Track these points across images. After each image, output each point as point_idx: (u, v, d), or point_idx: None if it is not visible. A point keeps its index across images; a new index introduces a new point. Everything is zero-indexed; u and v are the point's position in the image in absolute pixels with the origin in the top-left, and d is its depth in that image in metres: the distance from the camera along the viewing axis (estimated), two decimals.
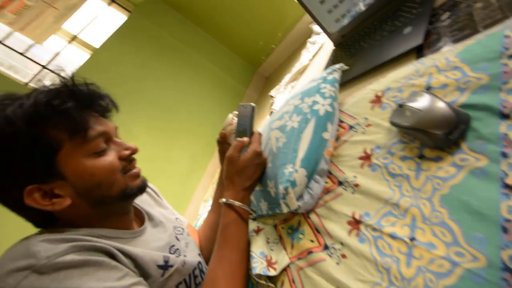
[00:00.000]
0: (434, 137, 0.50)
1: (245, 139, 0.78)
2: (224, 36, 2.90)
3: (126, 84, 2.22)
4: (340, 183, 0.70)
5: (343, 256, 0.59)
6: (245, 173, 0.76)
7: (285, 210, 0.73)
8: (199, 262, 0.81)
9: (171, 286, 0.69)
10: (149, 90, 2.37)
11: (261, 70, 3.16)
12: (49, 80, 0.62)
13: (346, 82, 1.01)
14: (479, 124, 0.48)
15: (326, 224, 0.67)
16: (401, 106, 0.57)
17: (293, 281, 0.66)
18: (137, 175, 0.70)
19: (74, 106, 0.58)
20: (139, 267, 0.62)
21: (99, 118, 0.65)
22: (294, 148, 0.74)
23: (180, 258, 0.74)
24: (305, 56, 1.91)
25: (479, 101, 0.49)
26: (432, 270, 0.43)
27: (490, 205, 0.41)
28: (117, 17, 2.54)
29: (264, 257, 0.72)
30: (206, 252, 0.90)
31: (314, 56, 1.77)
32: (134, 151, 0.69)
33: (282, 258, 0.72)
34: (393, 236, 0.51)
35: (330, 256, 0.62)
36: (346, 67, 0.89)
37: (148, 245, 0.70)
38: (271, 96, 2.09)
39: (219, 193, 0.98)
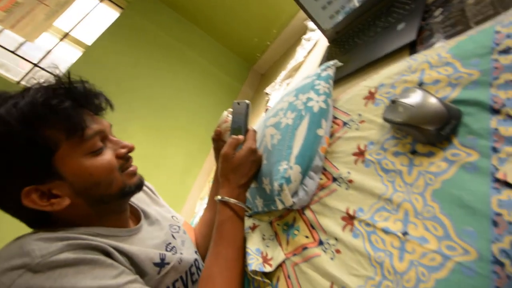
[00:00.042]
0: (426, 133, 0.50)
1: (240, 137, 0.79)
2: (218, 33, 2.89)
3: (119, 82, 2.20)
4: (335, 179, 0.70)
5: (337, 251, 0.59)
6: (240, 171, 0.76)
7: (280, 206, 0.73)
8: (196, 260, 0.81)
9: (167, 284, 0.69)
10: (143, 88, 2.36)
11: (256, 67, 3.15)
12: (41, 78, 0.61)
13: (341, 78, 1.01)
14: (470, 120, 0.48)
15: (321, 220, 0.68)
16: (393, 102, 0.58)
17: (289, 277, 0.67)
18: (134, 173, 0.70)
19: (71, 106, 0.57)
20: (135, 265, 0.62)
21: (94, 116, 0.65)
22: (288, 145, 0.74)
23: (177, 255, 0.74)
24: (300, 53, 1.91)
25: (470, 97, 0.49)
26: (424, 263, 0.44)
27: (481, 199, 0.41)
28: (110, 14, 2.51)
29: (260, 253, 0.72)
30: (203, 250, 0.91)
31: (309, 53, 1.77)
32: (131, 149, 0.69)
33: (277, 254, 0.73)
34: (386, 231, 0.52)
35: (324, 251, 0.62)
36: (340, 64, 0.89)
37: (144, 243, 0.70)
38: (266, 93, 2.09)
39: (214, 191, 0.98)
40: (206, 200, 1.06)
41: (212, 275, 0.66)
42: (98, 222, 0.64)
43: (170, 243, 0.77)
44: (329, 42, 1.36)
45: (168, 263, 0.69)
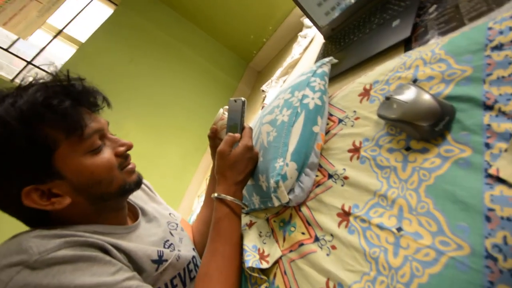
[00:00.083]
0: (420, 129, 0.51)
1: (236, 134, 0.79)
2: (214, 30, 2.87)
3: (114, 80, 2.19)
4: (330, 176, 0.71)
5: (333, 247, 0.60)
6: (236, 168, 0.76)
7: (276, 203, 0.73)
8: (193, 257, 0.81)
9: (165, 281, 0.69)
10: (139, 86, 2.34)
11: (252, 64, 3.15)
12: (35, 76, 0.61)
13: (336, 75, 1.01)
14: (463, 116, 0.49)
15: (317, 216, 0.68)
16: (388, 98, 0.58)
17: (285, 273, 0.67)
18: (133, 171, 0.70)
19: (71, 105, 0.57)
20: (133, 262, 0.63)
21: (91, 114, 0.64)
22: (284, 142, 0.74)
23: (174, 252, 0.74)
24: (296, 50, 1.91)
25: (464, 93, 0.50)
26: (418, 259, 0.44)
27: (474, 195, 0.42)
28: (104, 11, 2.48)
29: (257, 250, 0.73)
30: (200, 247, 0.91)
31: (305, 49, 1.77)
32: (130, 147, 0.69)
33: (274, 251, 0.73)
34: (381, 227, 0.52)
35: (320, 247, 0.63)
36: (335, 61, 0.89)
37: (142, 240, 0.71)
38: (263, 91, 2.09)
39: (211, 188, 0.98)
40: (203, 198, 1.06)
41: (209, 272, 0.66)
42: (96, 220, 0.64)
43: (168, 240, 0.77)
44: (325, 39, 1.36)
45: (166, 260, 0.70)
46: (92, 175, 0.60)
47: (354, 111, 0.73)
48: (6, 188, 0.54)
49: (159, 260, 0.68)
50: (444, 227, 0.43)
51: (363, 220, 0.57)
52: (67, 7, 2.23)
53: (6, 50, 2.05)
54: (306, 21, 1.98)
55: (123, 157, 0.68)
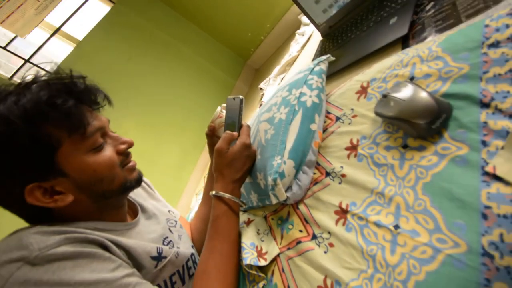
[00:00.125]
0: (416, 127, 0.51)
1: (234, 133, 0.79)
2: (212, 28, 2.86)
3: (112, 79, 2.18)
4: (328, 174, 0.71)
5: (331, 245, 0.60)
6: (234, 165, 0.76)
7: (274, 201, 0.73)
8: (192, 254, 0.82)
9: (164, 278, 0.69)
10: (136, 84, 2.33)
11: (250, 62, 3.14)
12: (36, 74, 0.60)
13: (334, 73, 1.01)
14: (460, 113, 0.49)
15: (314, 214, 0.68)
16: (385, 96, 0.58)
17: (283, 271, 0.67)
18: (134, 168, 0.71)
19: (74, 104, 0.57)
20: (133, 259, 0.63)
21: (93, 112, 0.65)
22: (282, 139, 0.74)
23: (174, 249, 0.74)
24: (294, 47, 1.90)
25: (460, 90, 0.50)
26: (416, 256, 0.44)
27: (471, 192, 0.42)
28: (101, 8, 2.47)
29: (255, 247, 0.73)
30: (198, 244, 0.91)
31: (302, 47, 1.77)
32: (131, 145, 0.70)
33: (272, 249, 0.73)
34: (378, 225, 0.52)
35: (318, 245, 0.63)
36: (332, 58, 0.89)
37: (142, 236, 0.71)
38: (261, 89, 2.09)
39: (209, 186, 0.98)
40: (201, 196, 1.06)
41: (207, 270, 0.67)
42: (97, 217, 0.65)
43: (167, 237, 0.78)
44: (322, 36, 1.36)
45: (165, 257, 0.70)
46: (94, 173, 0.60)
47: (352, 109, 0.73)
48: (9, 186, 0.54)
49: (158, 257, 0.68)
50: (441, 224, 0.44)
51: (360, 218, 0.57)
52: (65, 5, 2.22)
53: (4, 48, 2.04)
54: (304, 19, 1.97)
55: (124, 155, 0.68)
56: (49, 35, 2.20)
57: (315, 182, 0.73)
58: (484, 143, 0.44)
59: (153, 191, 0.97)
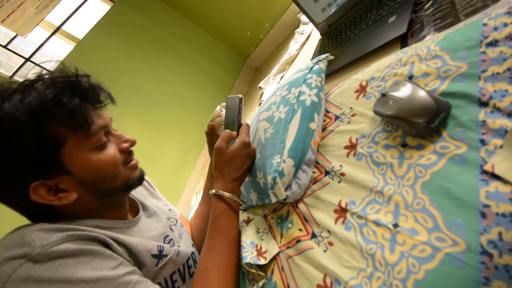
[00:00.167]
0: (415, 126, 0.51)
1: (233, 132, 0.79)
2: (212, 27, 2.86)
3: (112, 77, 2.17)
4: (327, 173, 0.71)
5: (330, 243, 0.60)
6: (234, 164, 0.76)
7: (274, 200, 0.74)
8: (193, 253, 0.82)
9: (165, 276, 0.70)
10: (136, 83, 2.33)
11: (250, 61, 3.14)
12: (40, 72, 0.61)
13: (333, 72, 1.01)
14: (458, 112, 0.49)
15: (314, 213, 0.68)
16: (384, 95, 0.58)
17: (283, 269, 0.68)
18: (136, 166, 0.71)
19: (79, 102, 0.58)
20: (134, 256, 0.63)
21: (96, 111, 0.65)
22: (281, 138, 0.74)
23: (174, 248, 0.75)
24: (293, 46, 1.90)
25: (459, 89, 0.50)
26: (415, 255, 0.44)
27: (469, 191, 0.42)
28: (101, 7, 2.47)
29: (254, 246, 0.73)
30: (198, 243, 0.91)
31: (302, 46, 1.77)
32: (133, 143, 0.70)
33: (271, 247, 0.73)
34: (377, 223, 0.53)
35: (317, 244, 0.63)
36: (331, 57, 0.89)
37: (143, 234, 0.71)
38: (260, 88, 2.09)
39: (209, 185, 0.99)
40: (201, 195, 1.06)
41: (207, 268, 0.67)
42: (99, 215, 0.65)
43: (168, 236, 0.78)
44: (322, 35, 1.36)
45: (166, 255, 0.70)
46: (98, 170, 0.61)
47: (351, 108, 0.73)
48: (14, 183, 0.54)
49: (159, 255, 0.69)
50: (440, 223, 0.44)
51: (359, 217, 0.57)
52: (65, 4, 2.22)
53: (5, 47, 2.04)
54: (303, 18, 1.97)
55: (127, 153, 0.69)
56: (49, 34, 2.20)
57: (314, 181, 0.73)
58: (483, 142, 0.44)
59: (154, 190, 0.98)
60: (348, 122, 0.72)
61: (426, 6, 0.77)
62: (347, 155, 0.68)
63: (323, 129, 0.79)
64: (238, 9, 2.61)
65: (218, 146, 0.76)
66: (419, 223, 0.46)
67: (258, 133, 0.84)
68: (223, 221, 0.72)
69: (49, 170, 0.55)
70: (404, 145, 0.55)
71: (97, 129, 0.61)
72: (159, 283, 0.67)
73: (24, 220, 0.60)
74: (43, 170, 0.55)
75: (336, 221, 0.62)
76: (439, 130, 0.50)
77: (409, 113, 0.51)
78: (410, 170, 0.52)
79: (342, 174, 0.66)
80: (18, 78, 1.94)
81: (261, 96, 1.98)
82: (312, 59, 1.11)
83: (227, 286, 0.66)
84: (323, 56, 0.88)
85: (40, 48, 2.13)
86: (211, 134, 0.93)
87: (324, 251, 0.60)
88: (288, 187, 0.72)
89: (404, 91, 0.53)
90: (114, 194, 0.66)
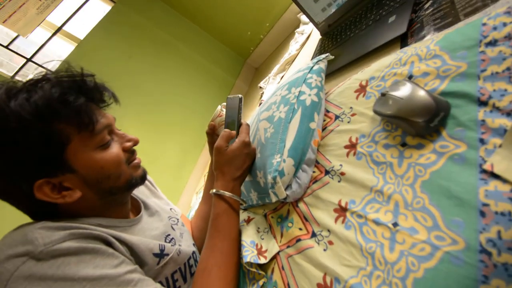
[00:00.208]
0: (415, 125, 0.51)
1: (232, 131, 0.79)
2: (212, 27, 2.86)
3: (113, 77, 2.15)
4: (327, 172, 0.71)
5: (330, 242, 0.60)
6: (234, 163, 0.76)
7: (274, 199, 0.74)
8: (194, 252, 0.82)
9: (166, 275, 0.70)
10: (137, 83, 2.34)
11: (250, 61, 3.14)
12: (45, 71, 0.61)
13: (333, 71, 1.01)
14: (458, 111, 0.49)
15: (314, 212, 0.69)
16: (383, 95, 0.58)
17: (283, 268, 0.68)
18: (139, 165, 0.72)
19: (84, 101, 0.58)
20: (135, 255, 0.63)
21: (100, 110, 0.66)
22: (281, 138, 0.75)
23: (175, 247, 0.75)
24: (293, 46, 1.91)
25: (458, 89, 0.50)
26: (414, 253, 0.45)
27: (469, 190, 0.42)
28: (102, 8, 2.48)
29: (255, 245, 0.73)
30: (199, 242, 0.92)
31: (302, 46, 1.77)
32: (136, 142, 0.71)
33: (272, 247, 0.73)
34: (377, 222, 0.53)
35: (317, 243, 0.63)
36: (331, 57, 0.89)
37: (144, 233, 0.72)
38: (260, 87, 2.09)
39: (209, 184, 0.99)
40: (201, 194, 1.07)
41: (208, 267, 0.67)
42: (101, 213, 0.66)
43: (169, 235, 0.78)
44: (322, 35, 1.37)
45: (167, 254, 0.71)
46: (102, 169, 0.61)
47: (351, 108, 0.73)
48: (19, 181, 0.55)
49: (161, 254, 0.69)
50: (439, 222, 0.44)
51: (359, 216, 0.57)
52: (66, 5, 2.23)
53: (6, 47, 2.05)
54: (303, 18, 1.98)
55: (130, 152, 0.69)
56: (50, 34, 2.21)
57: (314, 180, 0.74)
58: (482, 141, 0.44)
59: (155, 189, 0.98)
60: (348, 122, 0.72)
61: (426, 6, 0.77)
62: (347, 154, 0.68)
63: (323, 129, 0.79)
64: (238, 9, 2.61)
65: (217, 146, 0.76)
66: (419, 222, 0.46)
67: (258, 133, 0.84)
68: (224, 221, 0.72)
69: (53, 168, 0.56)
70: (403, 144, 0.56)
71: (101, 128, 0.61)
72: (160, 282, 0.67)
73: (24, 219, 0.60)
74: (48, 168, 0.55)
75: (336, 220, 0.62)
76: (438, 129, 0.50)
77: (408, 113, 0.51)
78: (410, 169, 0.52)
79: (342, 174, 0.66)
80: (20, 78, 1.94)
81: (261, 96, 1.98)
82: (312, 59, 1.11)
83: (228, 285, 0.66)
84: (323, 56, 0.88)
85: (42, 49, 2.13)
86: (212, 134, 0.93)
87: (324, 250, 0.61)
88: (288, 186, 0.73)
89: (404, 90, 0.53)
90: (117, 193, 0.66)
